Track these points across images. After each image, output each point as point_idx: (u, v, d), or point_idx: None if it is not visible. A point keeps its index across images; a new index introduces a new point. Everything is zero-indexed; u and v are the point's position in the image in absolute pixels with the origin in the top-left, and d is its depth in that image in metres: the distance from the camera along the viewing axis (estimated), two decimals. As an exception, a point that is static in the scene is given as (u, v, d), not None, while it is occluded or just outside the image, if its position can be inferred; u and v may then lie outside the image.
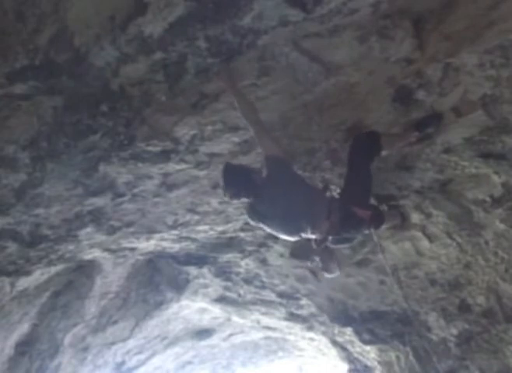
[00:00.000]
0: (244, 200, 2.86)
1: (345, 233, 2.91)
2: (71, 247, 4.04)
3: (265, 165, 2.74)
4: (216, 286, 5.68)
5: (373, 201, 3.73)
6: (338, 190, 3.29)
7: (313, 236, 2.88)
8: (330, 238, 2.88)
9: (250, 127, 2.70)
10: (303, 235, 2.87)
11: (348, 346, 5.95)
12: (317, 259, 3.13)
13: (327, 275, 3.31)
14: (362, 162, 2.96)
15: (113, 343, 6.13)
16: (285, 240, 3.43)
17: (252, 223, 3.01)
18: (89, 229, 3.81)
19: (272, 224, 2.84)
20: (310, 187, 3.06)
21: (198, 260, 5.20)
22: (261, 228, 3.12)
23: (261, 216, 2.82)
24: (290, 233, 2.88)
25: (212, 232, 4.52)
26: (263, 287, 5.50)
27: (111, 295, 5.44)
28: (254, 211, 2.85)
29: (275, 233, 2.96)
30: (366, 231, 3.03)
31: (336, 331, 5.68)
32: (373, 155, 3.03)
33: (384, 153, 3.08)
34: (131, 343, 6.41)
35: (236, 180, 2.74)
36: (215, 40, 2.23)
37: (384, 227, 3.56)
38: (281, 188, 2.71)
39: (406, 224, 4.00)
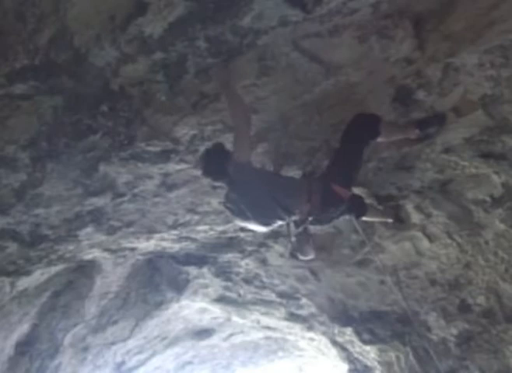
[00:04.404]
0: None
1: (325, 212, 2.90)
2: (71, 247, 4.05)
3: (234, 167, 2.70)
4: (216, 286, 5.68)
5: (369, 200, 3.74)
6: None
7: (293, 219, 2.90)
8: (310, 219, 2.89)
9: (235, 130, 2.68)
10: (278, 224, 2.89)
11: (348, 346, 5.94)
12: (294, 239, 3.13)
13: (301, 257, 3.32)
14: (356, 141, 2.89)
15: (113, 343, 6.13)
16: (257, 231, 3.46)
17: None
18: (89, 229, 3.81)
19: (244, 217, 2.85)
20: (286, 178, 3.07)
21: (198, 260, 5.20)
22: (235, 222, 3.15)
23: (233, 211, 2.86)
24: (263, 224, 2.89)
25: (212, 232, 4.52)
26: (263, 287, 5.50)
27: (111, 295, 5.44)
28: (227, 206, 2.89)
29: (246, 225, 2.98)
30: (347, 217, 3.04)
31: (336, 331, 5.68)
32: (369, 138, 2.93)
33: (379, 140, 2.98)
34: (131, 343, 6.41)
35: (211, 161, 2.75)
36: (215, 40, 2.23)
37: (372, 220, 3.59)
38: (248, 189, 2.72)
39: (406, 224, 4.00)
